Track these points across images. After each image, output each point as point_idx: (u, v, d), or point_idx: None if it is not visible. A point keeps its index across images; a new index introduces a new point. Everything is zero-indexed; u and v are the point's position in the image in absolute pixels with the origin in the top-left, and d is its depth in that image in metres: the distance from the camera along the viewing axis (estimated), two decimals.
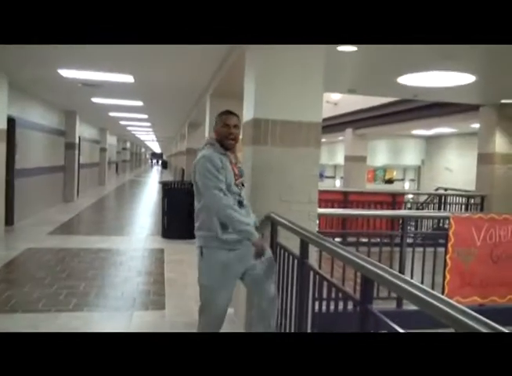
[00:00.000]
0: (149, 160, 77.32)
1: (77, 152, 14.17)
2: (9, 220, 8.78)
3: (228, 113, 3.17)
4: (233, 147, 3.13)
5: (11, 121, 8.35)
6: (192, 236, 8.64)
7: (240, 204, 3.01)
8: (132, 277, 5.71)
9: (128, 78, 7.41)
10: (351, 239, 5.49)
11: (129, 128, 21.78)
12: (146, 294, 5.03)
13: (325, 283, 2.60)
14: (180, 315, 4.41)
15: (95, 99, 10.53)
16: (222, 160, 2.97)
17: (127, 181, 26.46)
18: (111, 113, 13.99)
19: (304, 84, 3.88)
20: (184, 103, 10.68)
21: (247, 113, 4.16)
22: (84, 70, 7.13)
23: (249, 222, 2.94)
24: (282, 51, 3.80)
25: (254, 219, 3.15)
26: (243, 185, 3.12)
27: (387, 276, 1.85)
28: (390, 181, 24.55)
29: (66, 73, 7.36)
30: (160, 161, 69.55)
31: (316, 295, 2.77)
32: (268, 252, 3.20)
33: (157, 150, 61.63)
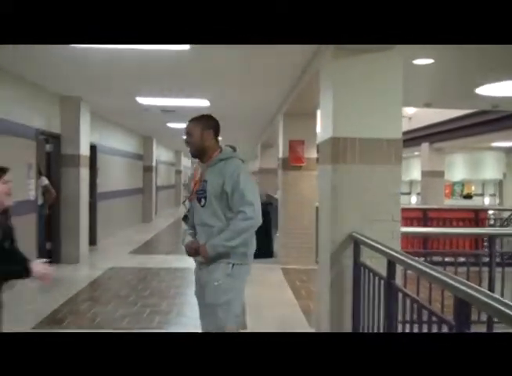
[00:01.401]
0: None
1: (154, 174, 14.74)
2: (93, 240, 9.24)
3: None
4: (196, 157, 2.96)
5: (93, 148, 8.85)
6: (270, 255, 8.64)
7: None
8: None
9: (204, 103, 7.63)
10: (435, 258, 5.26)
11: None
12: None
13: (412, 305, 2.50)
14: None
15: (170, 124, 10.92)
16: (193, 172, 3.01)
17: None
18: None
19: (382, 98, 3.81)
20: (257, 124, 10.82)
21: (324, 132, 4.13)
22: (161, 97, 7.44)
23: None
24: (358, 66, 3.77)
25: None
26: (199, 201, 2.84)
27: (496, 304, 1.69)
28: (468, 196, 23.50)
29: (143, 100, 7.71)
30: None
31: (405, 318, 2.67)
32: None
33: None
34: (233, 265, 2.78)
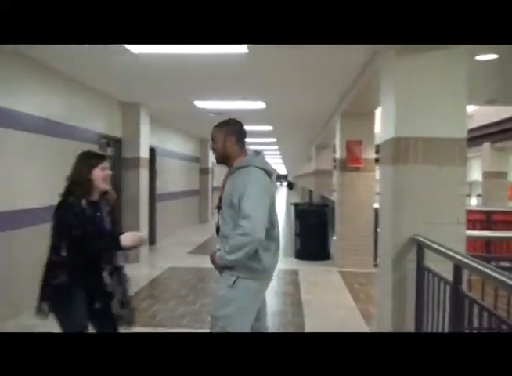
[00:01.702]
0: None
1: (210, 176, 14.97)
2: (152, 240, 9.49)
3: None
4: (220, 163, 2.86)
5: (152, 150, 9.10)
6: (326, 258, 8.57)
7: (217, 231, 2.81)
8: (270, 298, 5.78)
9: (260, 105, 7.66)
10: (502, 264, 5.03)
11: None
12: (284, 315, 5.07)
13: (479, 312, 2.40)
14: None
15: None
16: None
17: None
18: None
19: (446, 96, 3.70)
20: (312, 125, 10.76)
21: (386, 132, 4.04)
22: (218, 100, 7.53)
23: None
24: (421, 64, 3.68)
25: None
26: (218, 210, 2.79)
27: None
28: None
29: (201, 104, 7.84)
30: (285, 183, 70.64)
31: (472, 325, 2.56)
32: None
33: (282, 171, 62.70)
34: (237, 278, 2.62)
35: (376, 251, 7.60)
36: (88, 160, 2.84)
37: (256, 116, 8.96)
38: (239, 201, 2.54)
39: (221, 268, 2.68)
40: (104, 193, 2.90)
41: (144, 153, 8.14)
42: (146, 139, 8.29)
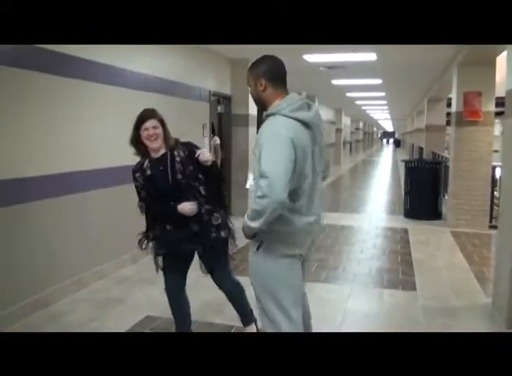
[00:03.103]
0: (380, 140, 76.43)
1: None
2: None
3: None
4: (261, 110, 2.48)
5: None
6: (437, 217, 8.26)
7: None
8: (379, 255, 5.75)
9: (371, 56, 7.37)
10: None
11: (364, 108, 21.82)
12: (394, 273, 5.00)
13: None
14: (432, 299, 4.25)
15: (335, 81, 10.80)
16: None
17: (360, 161, 26.65)
18: (348, 94, 14.20)
19: None
20: (425, 77, 10.18)
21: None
22: (328, 53, 7.36)
23: None
24: None
25: None
26: None
27: None
28: None
29: (310, 58, 7.70)
30: (391, 140, 68.28)
31: None
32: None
33: (389, 128, 60.52)
34: (261, 242, 2.30)
35: (492, 211, 7.19)
36: (135, 122, 2.97)
37: (366, 69, 8.66)
38: (259, 155, 2.18)
39: (252, 236, 2.32)
40: (168, 145, 3.00)
41: (253, 110, 8.24)
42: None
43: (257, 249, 2.30)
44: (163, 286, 3.12)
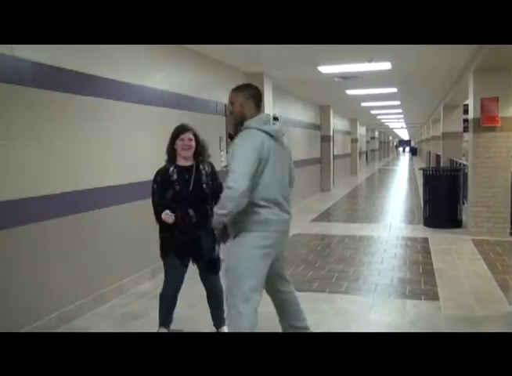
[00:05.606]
0: (396, 148, 75.97)
1: (331, 144, 14.83)
2: None
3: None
4: (238, 127, 2.95)
5: (274, 119, 9.17)
6: (457, 225, 8.16)
7: None
8: (400, 265, 5.68)
9: (386, 66, 7.37)
10: None
11: (379, 117, 21.76)
12: (416, 283, 4.93)
13: None
14: (455, 308, 4.19)
15: (349, 92, 10.80)
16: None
17: (376, 170, 26.51)
18: (363, 104, 14.18)
19: None
20: (441, 84, 10.12)
21: None
22: (342, 64, 7.37)
23: None
24: None
25: None
26: None
27: None
28: None
29: (325, 69, 7.73)
30: (407, 148, 67.80)
31: None
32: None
33: (405, 136, 60.13)
34: (239, 232, 2.78)
35: None
36: (172, 133, 3.37)
37: (381, 78, 8.65)
38: (232, 156, 2.71)
39: (223, 229, 2.80)
40: (197, 159, 3.39)
41: None
42: (270, 108, 8.39)
43: (235, 237, 2.78)
44: (183, 300, 3.12)
